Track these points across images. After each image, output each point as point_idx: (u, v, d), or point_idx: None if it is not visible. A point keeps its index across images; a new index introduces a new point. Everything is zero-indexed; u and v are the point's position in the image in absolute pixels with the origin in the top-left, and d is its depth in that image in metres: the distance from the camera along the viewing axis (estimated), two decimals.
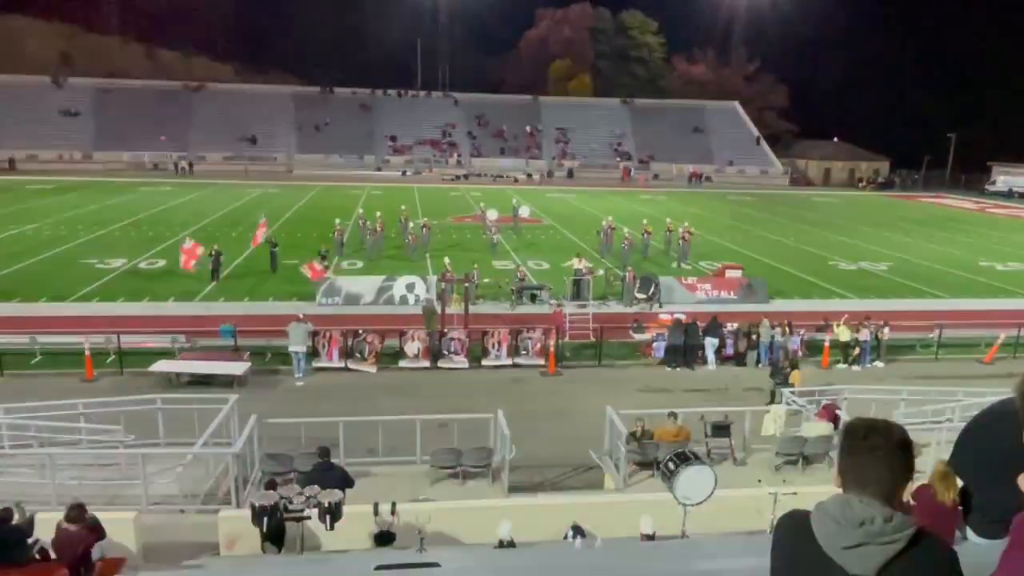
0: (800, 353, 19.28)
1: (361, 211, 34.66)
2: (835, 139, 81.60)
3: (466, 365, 18.23)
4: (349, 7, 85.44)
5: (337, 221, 31.59)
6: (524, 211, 38.59)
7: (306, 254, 26.78)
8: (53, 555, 7.71)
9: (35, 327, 18.98)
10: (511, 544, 8.06)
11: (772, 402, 15.22)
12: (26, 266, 26.45)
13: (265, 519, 7.97)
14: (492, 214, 34.74)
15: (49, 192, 46.83)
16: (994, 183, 71.20)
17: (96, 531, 7.72)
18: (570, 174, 69.38)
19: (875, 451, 1.88)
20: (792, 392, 15.12)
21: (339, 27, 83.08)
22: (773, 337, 19.16)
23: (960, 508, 6.39)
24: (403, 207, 36.68)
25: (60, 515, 7.80)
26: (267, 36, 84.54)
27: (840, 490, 1.96)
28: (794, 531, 1.95)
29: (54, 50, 77.02)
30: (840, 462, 1.99)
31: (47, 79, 69.40)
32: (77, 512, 7.69)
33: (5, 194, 45.01)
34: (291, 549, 8.21)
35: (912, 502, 5.91)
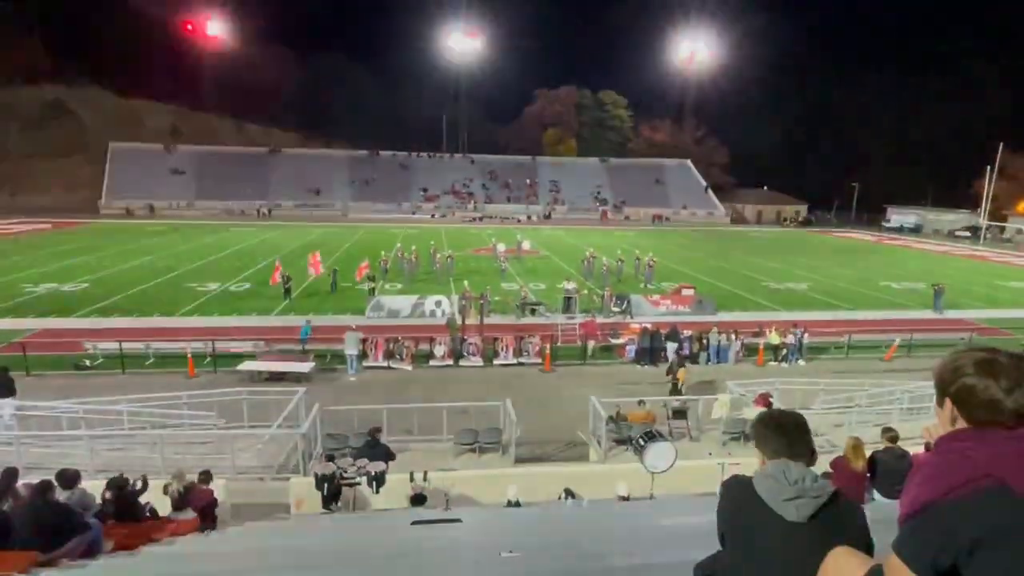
0: (741, 354, 19.19)
1: (399, 245, 34.73)
2: (764, 188, 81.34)
3: (481, 364, 18.16)
4: (391, 89, 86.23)
5: (383, 252, 31.64)
6: (526, 245, 38.63)
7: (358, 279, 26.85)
8: (167, 511, 7.68)
9: (149, 336, 19.05)
10: (517, 504, 7.98)
11: (671, 392, 14.94)
12: (143, 289, 26.53)
13: (325, 485, 7.90)
14: (501, 247, 34.80)
15: (161, 232, 47.11)
16: (889, 221, 71.06)
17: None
18: (549, 216, 69.35)
19: (793, 431, 1.96)
20: (682, 387, 15.20)
21: (383, 104, 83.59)
22: (719, 341, 19.06)
23: (868, 475, 6.27)
24: (432, 242, 36.78)
25: (164, 481, 7.79)
26: (327, 111, 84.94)
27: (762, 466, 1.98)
28: (738, 490, 1.94)
29: (166, 124, 77.75)
30: (767, 443, 1.98)
31: (161, 146, 69.98)
32: (207, 476, 7.88)
33: (126, 234, 45.37)
34: (346, 508, 8.13)
35: (831, 470, 5.82)
